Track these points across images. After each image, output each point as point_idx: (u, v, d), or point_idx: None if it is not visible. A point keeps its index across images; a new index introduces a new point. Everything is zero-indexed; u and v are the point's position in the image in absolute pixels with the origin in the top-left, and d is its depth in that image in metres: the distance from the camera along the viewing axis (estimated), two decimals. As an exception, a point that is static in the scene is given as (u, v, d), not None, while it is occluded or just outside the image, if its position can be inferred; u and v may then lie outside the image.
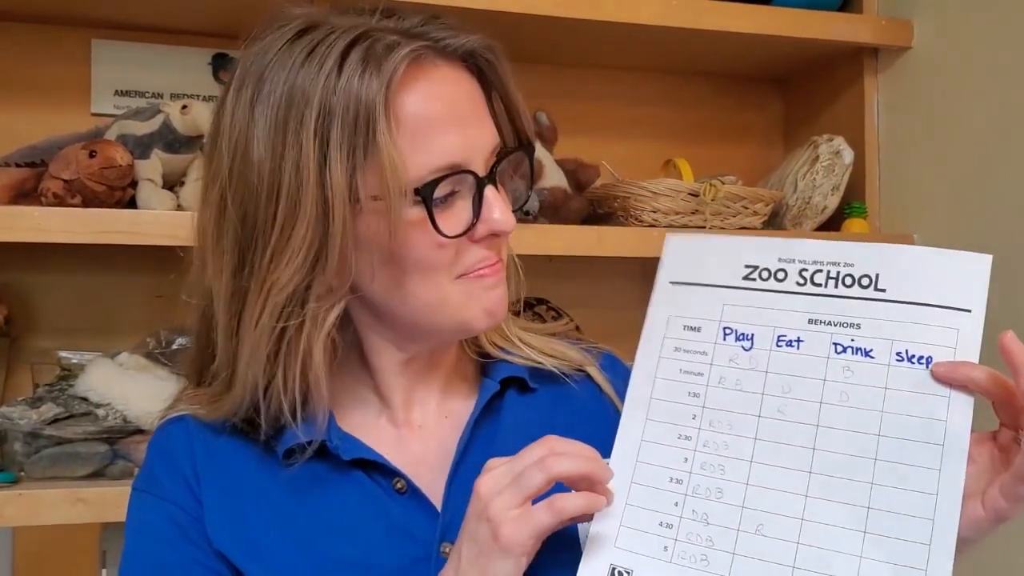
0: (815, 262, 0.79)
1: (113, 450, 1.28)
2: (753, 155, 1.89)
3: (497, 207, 0.82)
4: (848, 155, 1.63)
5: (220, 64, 1.58)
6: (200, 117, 1.31)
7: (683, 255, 0.85)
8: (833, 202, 1.63)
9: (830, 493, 0.72)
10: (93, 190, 1.26)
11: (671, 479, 0.77)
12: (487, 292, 0.84)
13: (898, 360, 0.74)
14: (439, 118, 0.80)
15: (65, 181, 1.25)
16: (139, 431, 1.28)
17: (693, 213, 1.53)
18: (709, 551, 0.74)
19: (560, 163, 1.59)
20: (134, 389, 1.27)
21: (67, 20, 1.49)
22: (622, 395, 0.89)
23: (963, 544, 0.70)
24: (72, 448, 1.25)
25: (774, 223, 1.64)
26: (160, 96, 1.55)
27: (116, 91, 1.54)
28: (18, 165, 1.33)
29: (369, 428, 0.89)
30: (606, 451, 0.79)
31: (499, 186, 0.84)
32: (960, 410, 0.71)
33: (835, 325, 0.76)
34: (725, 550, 0.74)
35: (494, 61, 0.85)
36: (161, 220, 1.27)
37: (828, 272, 0.78)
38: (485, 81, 0.86)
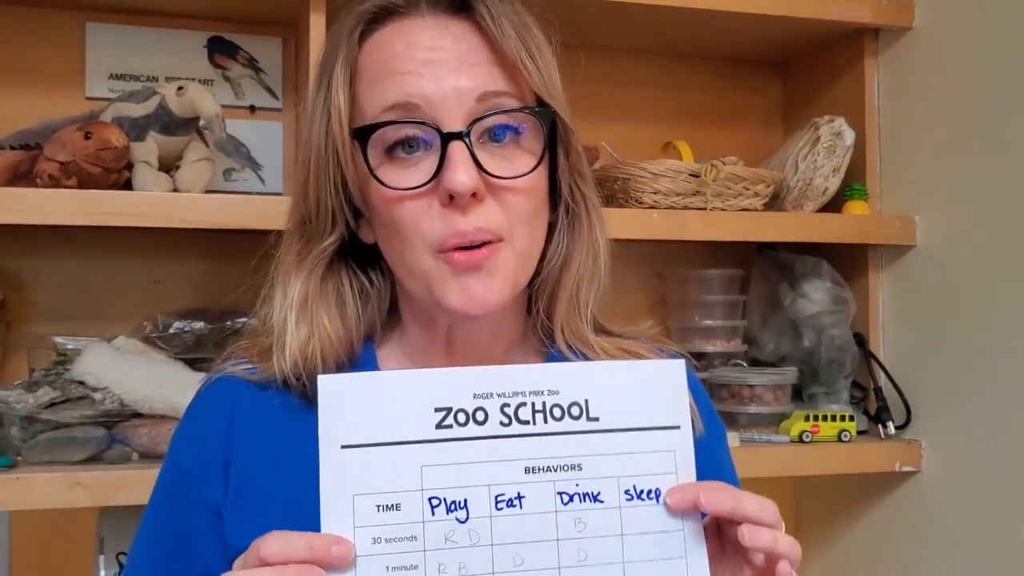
0: (516, 394, 0.69)
1: (110, 434, 1.27)
2: (752, 138, 1.87)
3: (458, 165, 0.75)
4: (849, 136, 1.61)
5: (216, 47, 1.57)
6: (196, 98, 1.30)
7: (351, 403, 0.67)
8: (834, 184, 1.62)
9: None
10: (89, 172, 1.24)
11: None
12: (465, 278, 0.77)
13: (628, 500, 0.69)
14: (396, 60, 0.78)
15: (60, 163, 1.24)
16: (136, 415, 1.28)
17: (694, 195, 1.52)
18: None
19: (559, 145, 1.58)
20: (131, 373, 1.26)
21: (61, 3, 1.48)
22: (697, 404, 0.87)
23: None
24: (69, 432, 1.24)
25: (775, 205, 1.63)
26: (155, 80, 1.53)
27: (111, 75, 1.52)
28: (12, 148, 1.32)
29: None
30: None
31: (473, 144, 0.76)
32: (695, 541, 0.69)
33: (556, 470, 0.68)
34: None
35: (491, 9, 0.80)
36: (157, 203, 1.26)
37: (533, 405, 0.69)
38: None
